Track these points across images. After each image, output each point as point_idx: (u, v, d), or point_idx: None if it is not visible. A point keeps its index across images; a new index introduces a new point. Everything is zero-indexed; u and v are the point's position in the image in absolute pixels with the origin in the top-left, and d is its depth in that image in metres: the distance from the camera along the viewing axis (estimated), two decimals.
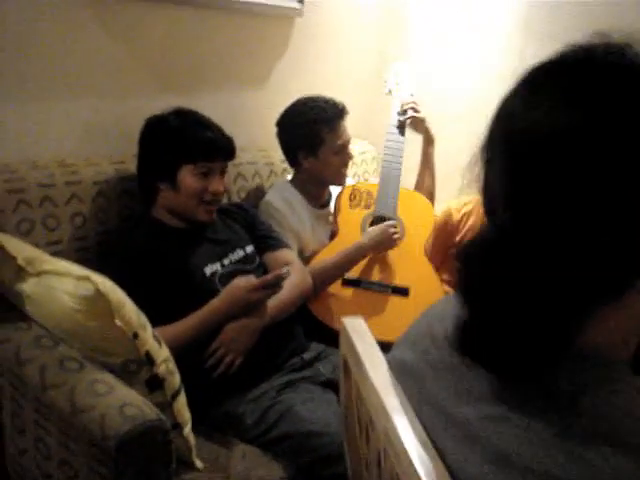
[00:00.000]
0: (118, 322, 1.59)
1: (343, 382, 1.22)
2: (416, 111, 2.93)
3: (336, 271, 2.62)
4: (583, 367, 0.80)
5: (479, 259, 0.84)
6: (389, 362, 1.05)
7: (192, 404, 1.86)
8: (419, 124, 2.96)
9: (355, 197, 2.84)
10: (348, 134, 2.74)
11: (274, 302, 2.23)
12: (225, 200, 2.61)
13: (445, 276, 2.94)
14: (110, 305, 1.57)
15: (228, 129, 2.33)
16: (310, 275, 2.48)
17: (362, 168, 3.39)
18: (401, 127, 2.90)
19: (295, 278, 2.36)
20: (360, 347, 1.09)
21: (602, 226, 0.74)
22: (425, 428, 0.91)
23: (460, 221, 2.90)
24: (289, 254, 2.49)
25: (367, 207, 2.82)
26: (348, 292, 2.66)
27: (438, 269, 2.94)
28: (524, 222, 0.79)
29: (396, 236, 2.70)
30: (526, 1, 3.13)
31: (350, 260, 2.63)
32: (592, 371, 0.80)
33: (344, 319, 1.18)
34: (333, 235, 2.81)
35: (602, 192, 0.73)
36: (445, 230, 2.91)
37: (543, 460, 0.75)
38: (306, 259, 2.66)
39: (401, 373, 1.02)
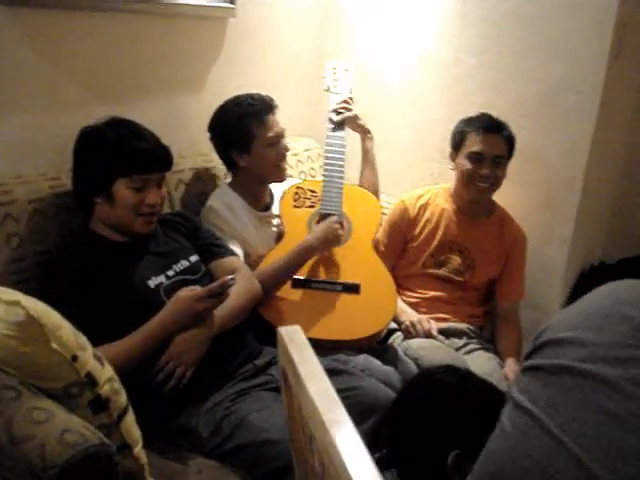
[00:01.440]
0: (54, 346, 1.53)
1: (284, 393, 1.19)
2: (347, 110, 2.94)
3: (284, 273, 2.58)
4: None
5: None
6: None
7: (145, 420, 1.82)
8: (352, 121, 2.96)
9: (299, 196, 2.82)
10: (280, 127, 2.71)
11: (222, 310, 2.19)
12: (168, 209, 2.57)
13: (401, 271, 2.93)
14: (44, 329, 1.52)
15: (166, 135, 2.29)
16: (258, 280, 2.45)
17: (308, 165, 3.37)
18: (339, 124, 2.88)
19: (242, 284, 2.33)
20: (297, 358, 1.06)
21: None
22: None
23: (417, 214, 2.91)
24: (235, 261, 2.46)
25: (312, 205, 2.81)
26: (298, 293, 2.63)
27: (394, 266, 2.93)
28: None
29: (341, 232, 2.68)
30: None
31: (297, 261, 2.60)
32: None
33: (280, 328, 1.14)
34: (280, 236, 2.78)
35: None
36: (402, 225, 2.92)
37: None
38: (253, 263, 2.62)
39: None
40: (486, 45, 3.09)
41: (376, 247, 2.87)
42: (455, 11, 3.14)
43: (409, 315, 2.78)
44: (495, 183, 2.78)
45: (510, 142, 2.77)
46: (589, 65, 2.84)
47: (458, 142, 2.81)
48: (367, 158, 3.04)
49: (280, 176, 2.78)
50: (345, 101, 2.95)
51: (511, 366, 2.68)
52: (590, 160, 2.93)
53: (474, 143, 2.74)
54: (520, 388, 0.99)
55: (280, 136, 2.70)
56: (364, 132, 3.01)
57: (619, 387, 0.86)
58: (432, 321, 2.75)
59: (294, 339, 1.12)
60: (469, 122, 2.82)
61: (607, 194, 3.49)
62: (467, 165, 2.75)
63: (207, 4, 2.84)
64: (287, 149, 2.76)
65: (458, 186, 2.86)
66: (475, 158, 2.73)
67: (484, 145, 2.73)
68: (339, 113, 2.92)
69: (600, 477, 0.81)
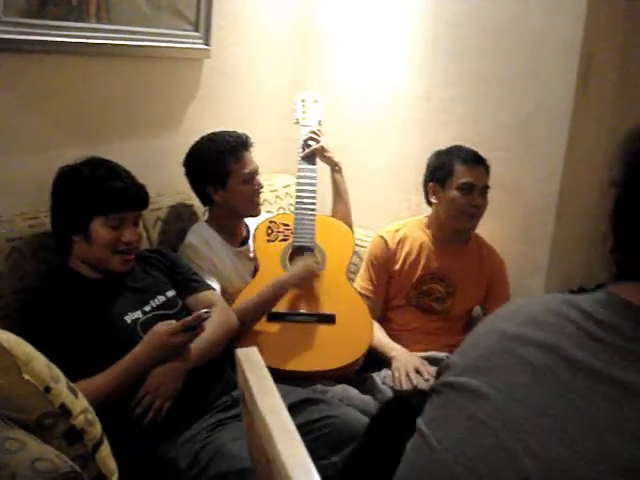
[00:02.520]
0: (26, 377, 1.57)
1: (244, 414, 1.22)
2: (315, 141, 2.99)
3: (260, 309, 2.62)
4: None
5: None
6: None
7: (123, 453, 1.85)
8: (320, 153, 3.01)
9: (272, 230, 2.87)
10: (254, 164, 2.76)
11: (198, 344, 2.22)
12: (147, 246, 2.61)
13: (392, 314, 2.96)
14: (17, 360, 1.56)
15: (144, 175, 2.35)
16: (234, 314, 2.48)
17: (286, 201, 3.41)
18: (309, 157, 2.93)
19: (218, 319, 2.36)
20: (250, 375, 1.10)
21: None
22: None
23: (397, 249, 2.93)
24: (211, 295, 2.49)
25: (285, 239, 2.85)
26: (274, 326, 2.65)
27: (387, 302, 2.98)
28: None
29: (316, 267, 2.72)
30: (432, 21, 3.20)
31: (273, 297, 2.64)
32: None
33: (237, 350, 1.18)
34: (256, 271, 2.81)
35: None
36: (385, 260, 2.94)
37: None
38: (230, 297, 2.65)
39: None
40: (457, 78, 3.16)
41: (362, 292, 2.90)
42: (426, 45, 3.22)
43: (401, 358, 2.74)
44: (483, 212, 2.84)
45: (489, 172, 2.83)
46: (558, 95, 2.91)
47: (444, 175, 2.83)
48: (337, 190, 3.08)
49: (254, 211, 2.83)
50: (313, 132, 3.00)
51: None
52: (563, 188, 2.99)
53: (463, 175, 2.78)
54: (422, 413, 1.05)
55: (255, 173, 2.75)
56: (332, 164, 3.05)
57: (483, 393, 0.93)
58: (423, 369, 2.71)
59: (250, 358, 1.15)
60: (450, 155, 2.86)
61: (583, 222, 3.53)
62: (458, 196, 2.78)
63: (182, 46, 2.91)
64: (261, 185, 2.81)
65: (444, 218, 2.88)
66: (466, 189, 2.77)
67: (474, 176, 2.79)
68: (307, 145, 2.97)
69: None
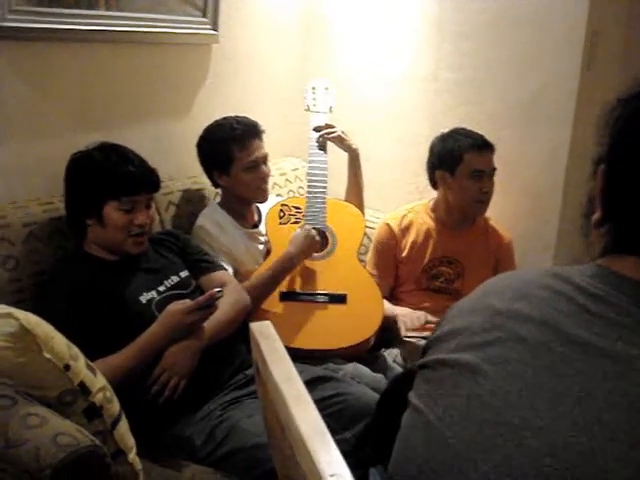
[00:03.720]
0: (47, 355, 1.61)
1: (258, 386, 1.25)
2: (330, 132, 3.01)
3: (269, 284, 2.67)
4: None
5: None
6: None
7: (141, 430, 1.89)
8: (337, 141, 3.03)
9: (284, 213, 2.90)
10: (262, 152, 2.78)
11: (212, 323, 2.27)
12: (159, 229, 2.66)
13: (394, 290, 3.00)
14: (37, 339, 1.60)
15: (156, 160, 2.38)
16: (247, 292, 2.53)
17: (296, 184, 3.45)
18: (320, 143, 2.97)
19: (231, 297, 2.40)
20: (264, 347, 1.13)
21: None
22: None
23: (402, 236, 2.96)
24: (224, 275, 2.54)
25: (297, 222, 2.88)
26: (287, 306, 2.70)
27: (397, 287, 3.01)
28: None
29: (314, 233, 2.76)
30: (437, 3, 3.22)
31: (281, 270, 2.69)
32: None
33: (252, 324, 1.21)
34: (268, 253, 2.85)
35: None
36: (391, 246, 2.97)
37: None
38: (242, 278, 2.69)
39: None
40: (463, 60, 3.18)
41: (371, 274, 2.92)
42: (433, 27, 3.24)
43: (405, 312, 2.82)
44: (491, 196, 2.86)
45: (493, 154, 2.85)
46: (563, 74, 2.93)
47: (454, 162, 2.82)
48: (353, 175, 3.11)
49: (259, 198, 2.86)
50: (327, 125, 3.02)
51: None
52: (570, 166, 3.01)
53: (474, 161, 2.79)
54: (413, 389, 1.07)
55: (260, 160, 2.77)
56: (351, 150, 3.06)
57: (479, 369, 0.94)
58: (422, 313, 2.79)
59: (264, 332, 1.18)
60: (457, 140, 2.84)
61: None
62: (469, 183, 2.80)
63: (190, 32, 2.94)
64: (267, 173, 2.83)
65: (453, 204, 2.90)
66: (477, 176, 2.79)
67: (484, 162, 2.80)
68: (322, 136, 2.99)
69: (463, 456, 0.90)
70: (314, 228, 2.80)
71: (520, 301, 0.99)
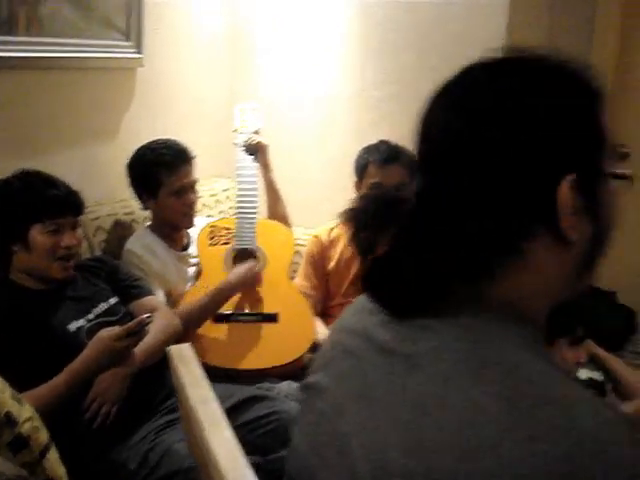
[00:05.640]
0: None
1: (180, 409, 1.26)
2: (258, 139, 3.04)
3: (205, 312, 2.68)
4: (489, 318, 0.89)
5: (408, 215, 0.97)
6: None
7: (74, 457, 1.88)
8: (263, 151, 3.06)
9: (214, 235, 2.90)
10: (191, 178, 2.78)
11: (142, 348, 2.26)
12: (89, 254, 2.64)
13: (324, 303, 3.01)
14: None
15: (83, 185, 2.37)
16: (181, 317, 2.53)
17: (227, 205, 3.45)
18: (251, 153, 3.00)
19: (162, 322, 2.40)
20: (181, 370, 1.14)
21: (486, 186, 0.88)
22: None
23: (332, 247, 2.98)
24: (153, 300, 2.53)
25: (227, 242, 2.89)
26: (220, 327, 2.71)
27: (328, 301, 3.02)
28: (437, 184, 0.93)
29: (259, 267, 2.77)
30: (361, 21, 3.26)
31: (218, 300, 2.70)
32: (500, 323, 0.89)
33: (171, 348, 1.22)
34: (199, 275, 2.85)
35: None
36: (321, 258, 2.98)
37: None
38: (174, 301, 2.70)
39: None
40: (388, 77, 3.23)
41: (301, 290, 2.94)
42: (357, 45, 3.29)
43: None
44: None
45: (411, 166, 2.87)
46: None
47: (361, 172, 2.89)
48: (272, 189, 3.13)
49: (185, 224, 2.85)
50: (255, 132, 3.05)
51: None
52: None
53: (374, 174, 2.83)
54: None
55: (188, 186, 2.77)
56: (268, 165, 3.10)
57: (321, 386, 0.99)
58: None
59: (182, 355, 1.20)
60: (369, 151, 2.90)
61: None
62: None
63: (114, 56, 2.94)
64: (194, 200, 2.82)
65: None
66: (376, 189, 2.81)
67: (383, 176, 2.82)
68: (248, 150, 3.01)
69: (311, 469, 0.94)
70: (244, 248, 2.82)
71: (354, 315, 1.04)
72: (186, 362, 1.17)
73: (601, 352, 2.49)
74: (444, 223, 0.91)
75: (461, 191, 0.90)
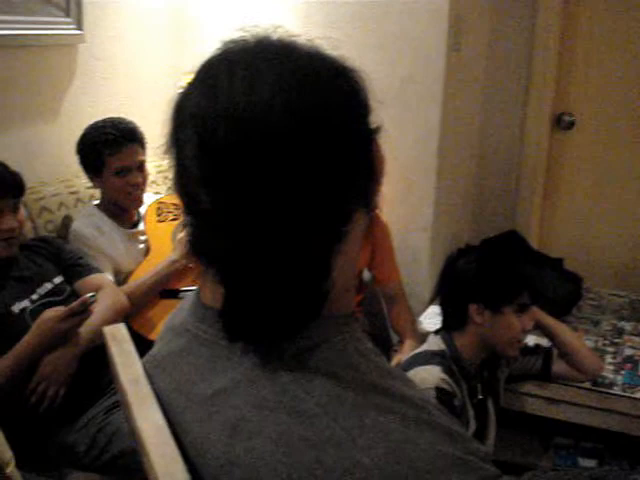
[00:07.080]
0: None
1: (117, 390, 1.25)
2: None
3: (152, 288, 2.66)
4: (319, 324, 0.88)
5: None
6: (145, 361, 1.09)
7: (22, 441, 1.87)
8: None
9: (162, 211, 2.88)
10: (137, 158, 2.72)
11: (88, 327, 2.24)
12: (33, 235, 2.61)
13: None
14: None
15: (24, 164, 2.35)
16: (127, 295, 2.51)
17: None
18: None
19: (108, 300, 2.38)
20: (114, 349, 1.13)
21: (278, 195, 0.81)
22: (174, 414, 0.96)
23: None
24: (99, 278, 2.50)
25: (175, 218, 2.86)
26: (166, 303, 2.70)
27: None
28: (224, 201, 0.84)
29: None
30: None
31: (164, 275, 2.69)
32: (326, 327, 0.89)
33: (105, 328, 1.20)
34: (148, 251, 2.84)
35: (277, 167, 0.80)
36: None
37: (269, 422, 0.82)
38: (124, 279, 2.69)
39: (153, 368, 1.06)
40: (332, 50, 3.20)
41: None
42: (301, 19, 3.26)
43: None
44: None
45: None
46: (430, 58, 3.00)
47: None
48: None
49: (130, 204, 2.80)
50: None
51: (406, 351, 2.73)
52: (441, 147, 3.08)
53: None
54: None
55: (134, 166, 2.71)
56: None
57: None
58: None
59: (115, 335, 1.18)
60: None
61: (467, 179, 3.66)
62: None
63: (54, 32, 2.87)
64: (140, 181, 2.75)
65: None
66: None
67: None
68: None
69: None
70: None
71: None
72: (119, 341, 1.16)
73: (547, 318, 2.53)
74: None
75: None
